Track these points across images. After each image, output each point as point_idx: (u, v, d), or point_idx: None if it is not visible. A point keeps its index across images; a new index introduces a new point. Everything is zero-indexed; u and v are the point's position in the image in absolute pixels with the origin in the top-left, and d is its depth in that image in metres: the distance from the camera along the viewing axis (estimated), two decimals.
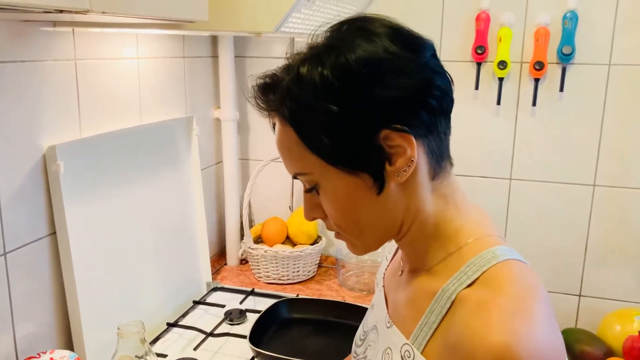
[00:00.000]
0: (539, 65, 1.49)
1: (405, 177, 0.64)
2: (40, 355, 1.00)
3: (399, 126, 0.62)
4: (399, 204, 0.67)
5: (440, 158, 0.68)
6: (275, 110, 0.67)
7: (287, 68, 0.66)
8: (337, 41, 0.64)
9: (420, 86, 0.63)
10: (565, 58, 1.47)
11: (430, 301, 0.64)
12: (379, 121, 0.62)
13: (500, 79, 1.54)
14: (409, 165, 0.64)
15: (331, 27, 0.66)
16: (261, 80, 0.68)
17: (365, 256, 1.59)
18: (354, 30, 0.65)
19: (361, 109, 0.62)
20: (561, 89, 1.51)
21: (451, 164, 0.71)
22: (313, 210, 0.72)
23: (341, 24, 0.66)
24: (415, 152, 0.63)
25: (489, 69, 1.56)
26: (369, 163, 0.64)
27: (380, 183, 0.65)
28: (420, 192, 0.67)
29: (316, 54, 0.64)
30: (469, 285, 0.61)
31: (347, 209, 0.68)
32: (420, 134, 0.64)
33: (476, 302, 0.59)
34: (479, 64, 1.55)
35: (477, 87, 1.57)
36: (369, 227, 0.69)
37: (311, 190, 0.70)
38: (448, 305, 0.62)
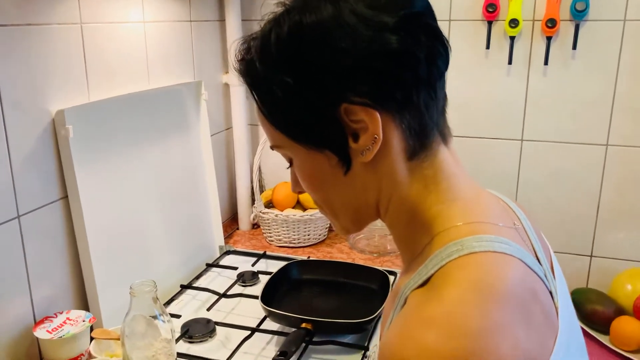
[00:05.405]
0: (551, 23, 1.45)
1: (370, 156, 0.58)
2: (57, 316, 1.03)
3: (359, 99, 0.56)
4: (369, 185, 0.61)
5: (421, 135, 0.59)
6: (244, 81, 0.63)
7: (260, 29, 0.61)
8: (303, 0, 0.59)
9: (384, 53, 0.55)
10: (578, 15, 1.44)
11: (396, 299, 0.60)
12: (337, 94, 0.56)
13: (512, 38, 1.51)
14: (373, 143, 0.57)
15: None
16: (240, 44, 0.62)
17: None
18: None
19: (316, 79, 0.57)
20: (574, 47, 1.48)
21: (444, 140, 0.63)
22: (296, 184, 0.68)
23: None
24: (380, 129, 0.57)
25: (500, 28, 1.53)
26: (330, 140, 0.59)
27: (345, 162, 0.60)
28: (393, 173, 0.60)
29: (279, 15, 0.59)
30: (422, 285, 0.55)
31: (315, 187, 0.65)
32: (389, 108, 0.57)
33: (409, 307, 0.54)
34: (489, 23, 1.52)
35: (487, 47, 1.54)
36: (340, 207, 0.65)
37: (290, 163, 0.66)
38: (400, 306, 0.57)
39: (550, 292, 0.59)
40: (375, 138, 0.57)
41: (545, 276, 0.59)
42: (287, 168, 0.68)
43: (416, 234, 0.62)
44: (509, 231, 0.60)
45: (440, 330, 0.48)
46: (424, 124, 0.59)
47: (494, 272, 0.53)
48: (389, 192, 0.62)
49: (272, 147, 0.66)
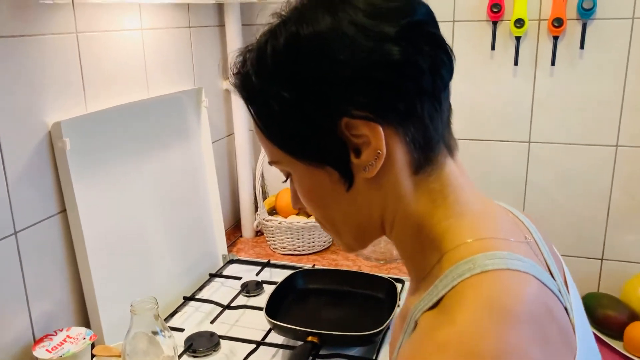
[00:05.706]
0: (557, 22, 1.42)
1: (374, 172, 0.56)
2: (56, 333, 1.01)
3: (360, 112, 0.54)
4: (373, 201, 0.59)
5: (426, 148, 0.57)
6: (240, 95, 0.61)
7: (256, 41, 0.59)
8: (299, 11, 0.56)
9: (385, 64, 0.53)
10: (585, 13, 1.41)
11: (405, 322, 0.57)
12: (337, 107, 0.54)
13: (518, 38, 1.48)
14: (377, 158, 0.55)
15: None
16: (236, 56, 0.60)
17: None
18: None
19: (314, 92, 0.54)
20: (581, 47, 1.45)
21: (450, 152, 0.60)
22: (296, 200, 0.65)
23: None
24: (383, 143, 0.54)
25: (506, 28, 1.50)
26: (331, 155, 0.57)
27: (347, 178, 0.58)
28: (397, 189, 0.58)
29: (275, 27, 0.57)
30: (432, 307, 0.53)
31: (316, 204, 0.62)
32: (392, 121, 0.55)
33: (421, 331, 0.52)
34: (494, 23, 1.49)
35: (493, 48, 1.51)
36: (343, 224, 0.63)
37: (286, 178, 0.64)
38: (410, 330, 0.54)
39: (566, 308, 0.56)
40: (379, 153, 0.55)
41: (560, 292, 0.56)
42: (283, 182, 0.66)
43: (424, 251, 0.59)
44: (521, 246, 0.57)
45: (454, 354, 0.46)
46: (428, 136, 0.57)
47: (508, 291, 0.50)
48: (394, 208, 0.59)
49: (270, 163, 0.64)
